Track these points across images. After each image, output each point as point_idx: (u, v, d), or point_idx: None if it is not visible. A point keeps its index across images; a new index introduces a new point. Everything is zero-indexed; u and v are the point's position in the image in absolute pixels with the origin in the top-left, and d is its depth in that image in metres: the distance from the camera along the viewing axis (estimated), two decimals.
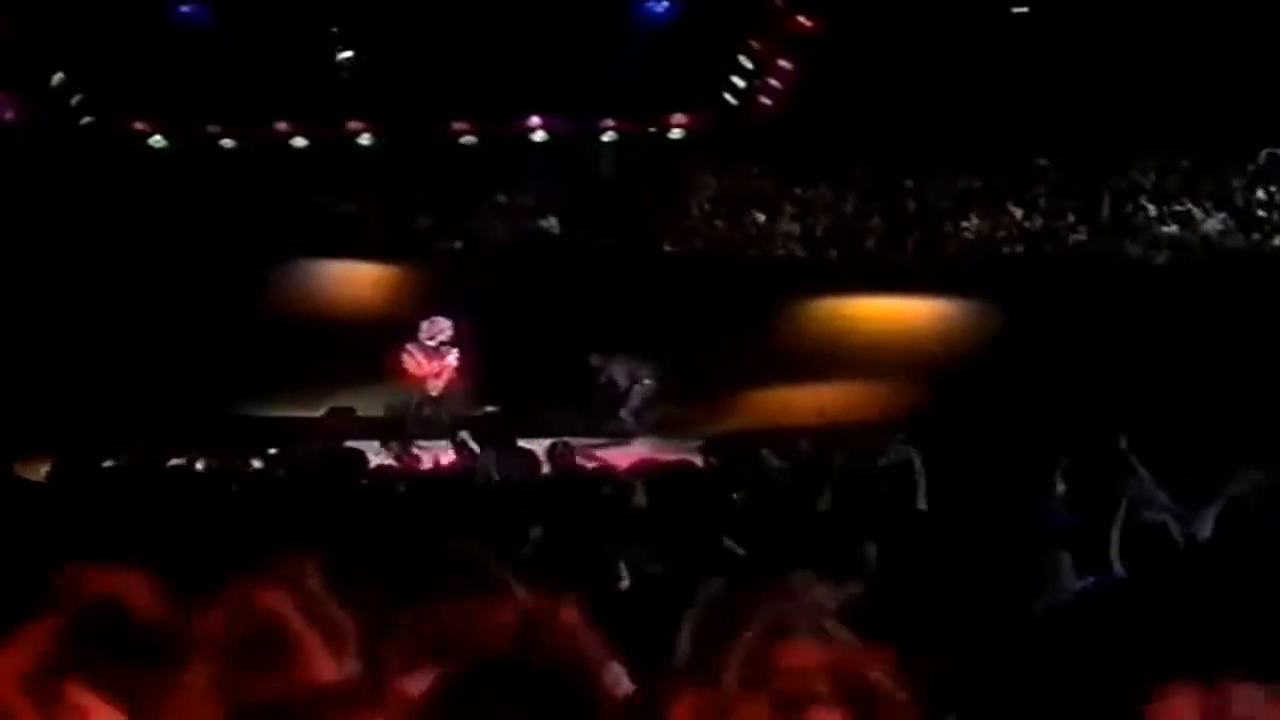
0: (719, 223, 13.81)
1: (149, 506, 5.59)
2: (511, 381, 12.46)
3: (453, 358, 11.57)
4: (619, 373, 12.00)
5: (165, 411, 11.82)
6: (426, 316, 11.68)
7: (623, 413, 11.86)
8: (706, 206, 13.82)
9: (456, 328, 11.67)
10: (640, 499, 5.51)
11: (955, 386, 11.75)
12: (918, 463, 5.27)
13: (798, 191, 13.74)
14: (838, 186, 13.61)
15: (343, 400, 12.41)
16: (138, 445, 8.77)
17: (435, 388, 11.53)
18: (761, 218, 13.85)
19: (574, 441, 8.54)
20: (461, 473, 7.94)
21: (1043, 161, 12.92)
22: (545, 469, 7.16)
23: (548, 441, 8.00)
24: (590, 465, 7.90)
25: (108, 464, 7.00)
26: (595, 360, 11.97)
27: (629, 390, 11.94)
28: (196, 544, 4.46)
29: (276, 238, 13.59)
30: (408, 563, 2.85)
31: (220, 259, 13.19)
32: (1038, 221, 13.02)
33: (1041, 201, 13.06)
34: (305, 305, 13.45)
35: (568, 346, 12.36)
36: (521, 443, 7.82)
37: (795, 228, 13.79)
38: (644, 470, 6.13)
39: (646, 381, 11.92)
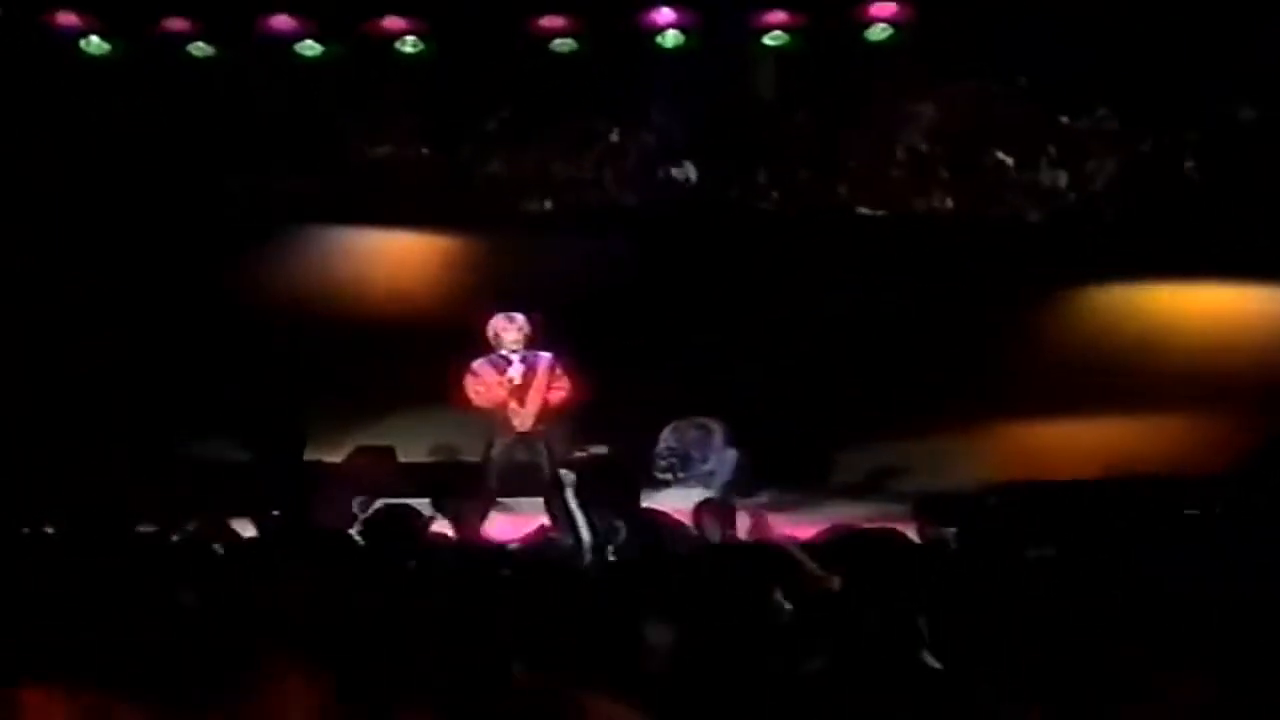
0: (943, 170, 13.72)
1: (98, 594, 5.72)
2: (630, 408, 12.56)
3: (543, 372, 11.40)
4: (688, 442, 12.69)
5: (114, 452, 12.16)
6: (501, 312, 11.56)
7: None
8: (923, 145, 13.73)
9: (545, 327, 11.63)
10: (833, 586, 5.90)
11: None
12: None
13: (1065, 121, 13.54)
14: (1129, 114, 13.43)
15: (376, 436, 12.66)
16: (78, 503, 8.88)
17: (523, 419, 11.26)
18: (1009, 161, 13.68)
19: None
20: (560, 549, 8.18)
21: None
22: (711, 537, 7.39)
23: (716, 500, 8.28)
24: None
25: (38, 530, 7.33)
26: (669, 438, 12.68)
27: (704, 463, 12.64)
28: (167, 651, 4.72)
29: (275, 194, 13.79)
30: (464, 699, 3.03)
31: (190, 225, 13.45)
32: None
33: None
34: (320, 296, 13.67)
35: (712, 351, 12.78)
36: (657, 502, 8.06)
37: (1060, 177, 13.63)
38: (839, 542, 6.50)
39: (730, 452, 12.58)
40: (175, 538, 8.16)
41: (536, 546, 8.35)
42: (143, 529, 8.13)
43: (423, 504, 9.39)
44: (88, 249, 13.27)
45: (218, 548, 7.13)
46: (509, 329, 11.31)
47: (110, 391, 12.96)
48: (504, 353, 11.31)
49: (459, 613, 5.47)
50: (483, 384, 11.26)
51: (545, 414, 11.40)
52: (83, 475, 11.54)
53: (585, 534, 7.53)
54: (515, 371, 11.23)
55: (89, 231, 13.32)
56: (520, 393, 11.29)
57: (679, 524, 7.82)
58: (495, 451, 11.37)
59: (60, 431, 12.46)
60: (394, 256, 14.13)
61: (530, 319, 11.40)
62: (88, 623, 5.17)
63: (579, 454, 12.04)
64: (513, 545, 8.43)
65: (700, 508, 8.35)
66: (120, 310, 13.25)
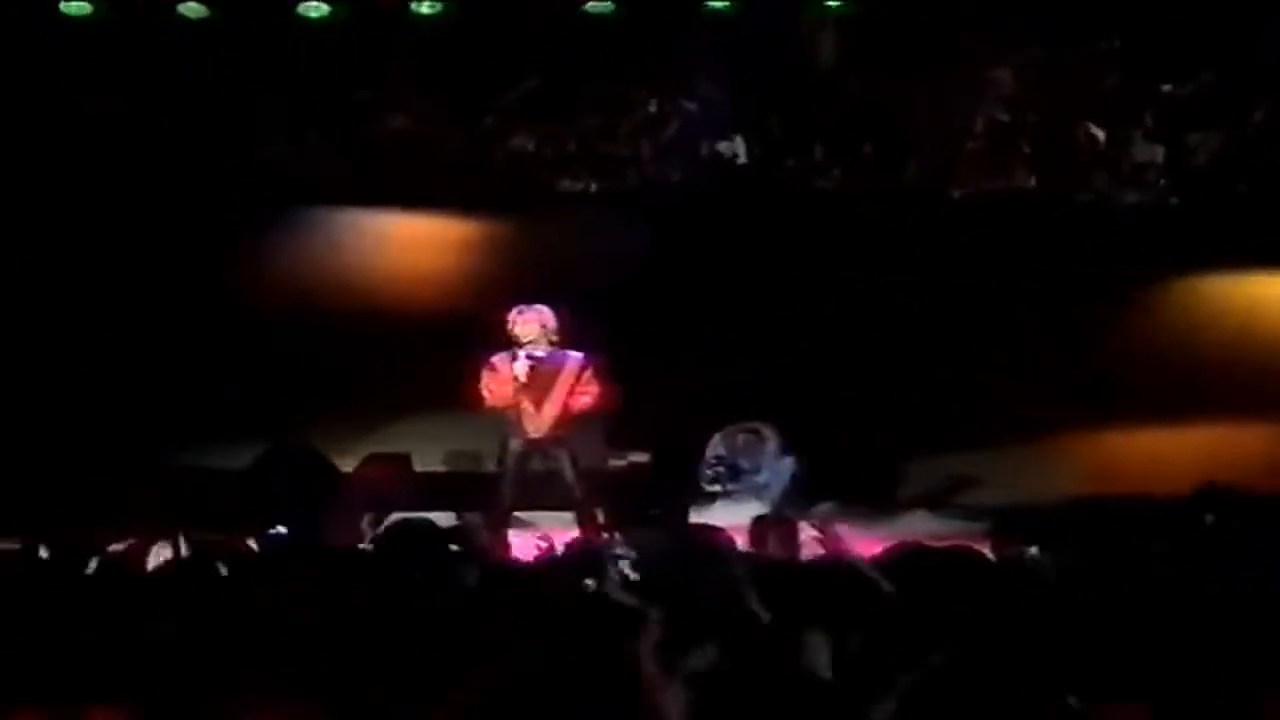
0: (1024, 145, 13.77)
1: (78, 612, 5.99)
2: (673, 413, 12.63)
3: (569, 374, 11.25)
4: (737, 450, 12.77)
5: (100, 464, 12.23)
6: (527, 303, 11.42)
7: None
8: (1002, 116, 13.75)
9: (573, 322, 11.46)
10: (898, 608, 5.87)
11: None
12: None
13: (1164, 89, 13.58)
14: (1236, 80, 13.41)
15: (389, 443, 12.70)
16: (58, 519, 9.02)
17: (536, 423, 11.19)
18: (1099, 135, 13.71)
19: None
20: (591, 567, 7.59)
21: None
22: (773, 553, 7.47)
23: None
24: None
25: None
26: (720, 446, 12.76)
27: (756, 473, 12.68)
28: (158, 672, 4.88)
29: (274, 174, 13.79)
30: None
31: (182, 208, 13.44)
32: None
33: None
34: (326, 286, 13.64)
35: (764, 348, 12.91)
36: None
37: (1157, 152, 13.65)
38: (908, 561, 6.44)
39: (784, 461, 12.66)
40: (167, 556, 8.02)
41: (558, 566, 7.96)
42: (130, 546, 8.00)
43: (442, 518, 9.34)
44: (69, 235, 13.31)
45: (219, 566, 7.16)
46: (521, 322, 11.15)
47: (93, 393, 13.03)
48: (522, 349, 11.17)
49: (480, 637, 5.56)
50: (495, 380, 11.14)
51: (564, 420, 11.25)
52: (63, 486, 11.70)
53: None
54: (520, 369, 11.06)
55: (70, 215, 13.35)
56: (533, 393, 11.12)
57: (733, 541, 7.68)
58: (509, 458, 11.28)
59: (38, 437, 12.56)
60: (408, 242, 14.08)
61: (557, 313, 11.26)
62: (73, 648, 5.47)
63: (615, 463, 12.13)
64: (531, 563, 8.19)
65: (758, 524, 8.34)
66: (105, 303, 13.27)
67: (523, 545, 9.26)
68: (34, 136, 13.32)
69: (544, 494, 11.29)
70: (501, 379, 11.06)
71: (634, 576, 6.67)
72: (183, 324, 13.33)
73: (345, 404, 12.96)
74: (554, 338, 11.11)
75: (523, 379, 10.97)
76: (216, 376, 13.16)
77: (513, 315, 11.09)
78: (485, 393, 11.10)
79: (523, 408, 11.03)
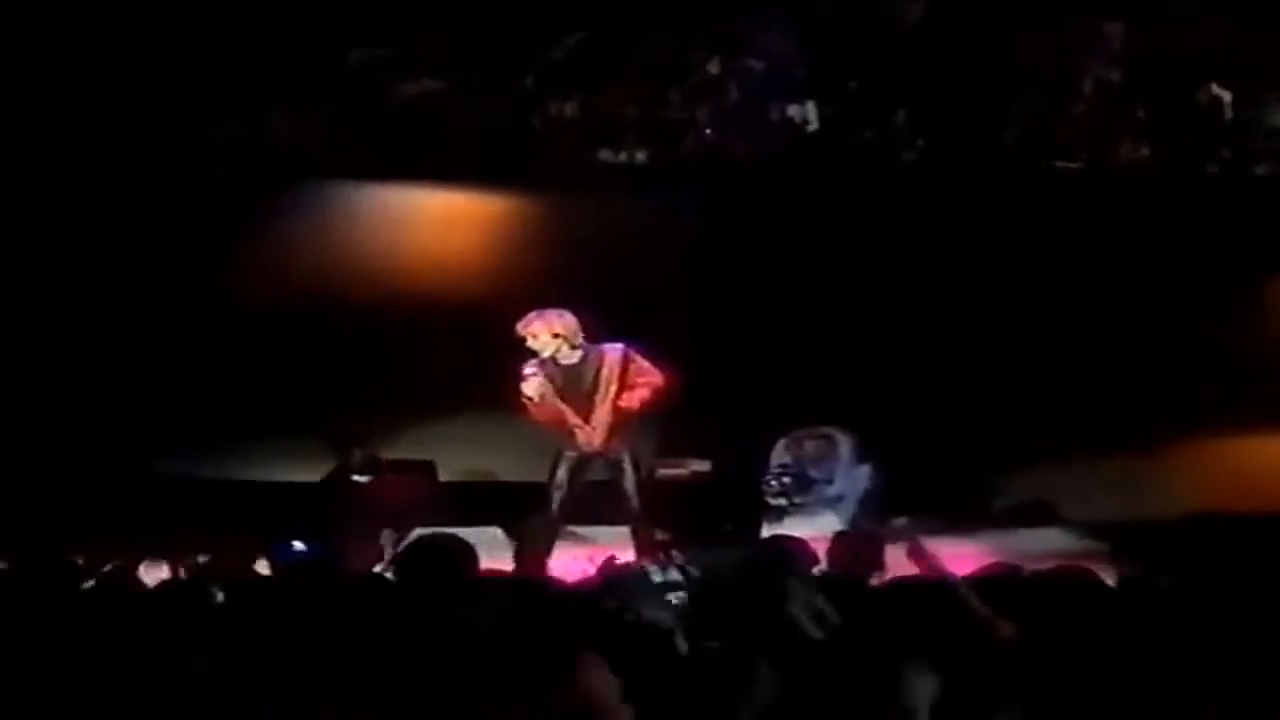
0: (1139, 109, 13.72)
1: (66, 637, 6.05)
2: (734, 416, 12.71)
3: (612, 372, 11.19)
4: (807, 457, 12.87)
5: (87, 472, 12.39)
6: (535, 310, 11.27)
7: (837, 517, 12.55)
8: (1113, 77, 13.69)
9: (621, 313, 11.49)
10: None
11: None
12: None
13: None
14: None
15: (411, 449, 12.75)
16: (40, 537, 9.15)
17: (589, 436, 11.18)
18: (1225, 97, 13.62)
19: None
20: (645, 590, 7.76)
21: None
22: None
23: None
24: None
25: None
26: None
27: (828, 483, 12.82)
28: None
29: (276, 146, 13.82)
30: None
31: (171, 185, 13.45)
32: None
33: None
34: (338, 274, 13.65)
35: (837, 342, 12.96)
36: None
37: None
38: (1005, 582, 6.54)
39: (860, 469, 12.79)
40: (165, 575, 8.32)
41: (605, 589, 7.97)
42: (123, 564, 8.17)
43: (472, 533, 9.43)
44: (44, 214, 13.36)
45: (216, 591, 7.22)
46: (529, 334, 11.01)
47: (80, 395, 13.11)
48: (546, 361, 11.08)
49: (513, 671, 5.51)
50: (535, 392, 11.06)
51: (620, 423, 11.23)
52: (46, 496, 11.85)
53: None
54: (544, 388, 10.96)
55: (45, 192, 13.39)
56: (577, 403, 11.11)
57: (815, 557, 7.75)
58: (560, 470, 11.23)
59: (30, 440, 12.71)
60: (432, 224, 14.10)
61: (576, 313, 11.15)
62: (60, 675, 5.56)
63: (671, 470, 12.11)
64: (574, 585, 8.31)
65: (840, 540, 8.32)
66: (89, 294, 13.33)
67: (568, 564, 9.49)
68: (32, 116, 13.45)
69: (596, 505, 11.36)
70: (543, 394, 11.04)
71: (693, 602, 6.85)
72: (177, 317, 13.40)
73: (361, 406, 12.96)
74: (577, 339, 11.07)
75: (555, 393, 10.96)
76: (217, 376, 13.25)
77: (525, 321, 11.03)
78: (530, 407, 11.10)
79: (570, 423, 11.05)
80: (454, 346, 12.60)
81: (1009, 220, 13.33)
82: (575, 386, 10.99)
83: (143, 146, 13.49)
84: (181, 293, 13.36)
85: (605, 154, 14.01)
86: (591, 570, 8.65)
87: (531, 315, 11.00)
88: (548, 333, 10.92)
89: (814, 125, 13.86)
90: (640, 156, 14.00)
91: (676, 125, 14.01)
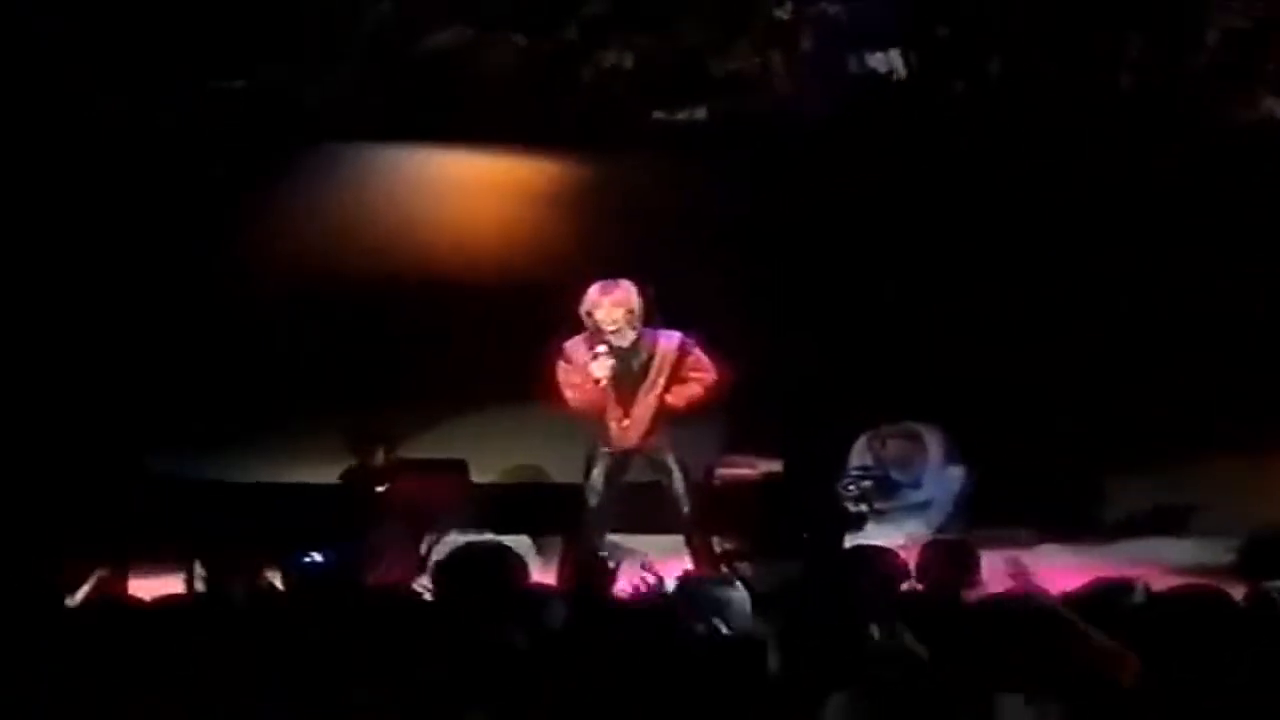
0: (1270, 63, 13.69)
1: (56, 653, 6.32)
2: (805, 409, 12.75)
3: (665, 360, 11.29)
4: (890, 457, 12.95)
5: (86, 473, 12.51)
6: (606, 278, 11.45)
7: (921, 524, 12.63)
8: (1240, 24, 13.68)
9: (674, 292, 11.49)
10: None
11: None
12: None
13: None
14: None
15: (441, 446, 12.87)
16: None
17: (623, 430, 11.27)
18: None
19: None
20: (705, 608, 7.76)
21: None
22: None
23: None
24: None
25: None
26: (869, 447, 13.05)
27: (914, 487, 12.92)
28: None
29: (286, 103, 13.87)
30: None
31: (167, 146, 13.53)
32: None
33: None
34: (356, 247, 13.67)
35: (925, 324, 13.07)
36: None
37: None
38: (1117, 602, 6.69)
39: (951, 471, 12.84)
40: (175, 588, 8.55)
41: (663, 606, 8.10)
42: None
43: (511, 541, 9.62)
44: (23, 182, 13.44)
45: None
46: (604, 304, 11.15)
47: (82, 386, 13.20)
48: (603, 340, 11.22)
49: (561, 695, 5.83)
50: (572, 375, 11.21)
51: (662, 420, 11.31)
52: (41, 501, 11.90)
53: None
54: (601, 367, 11.09)
55: (24, 156, 13.48)
56: (620, 392, 11.20)
57: (903, 568, 7.88)
58: (595, 470, 11.34)
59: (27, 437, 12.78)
60: (463, 191, 14.13)
61: (641, 289, 11.26)
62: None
63: (736, 471, 12.10)
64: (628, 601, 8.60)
65: (930, 550, 8.30)
66: (77, 273, 13.43)
67: (618, 578, 9.42)
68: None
69: (644, 512, 11.43)
70: (580, 375, 11.14)
71: (759, 621, 6.85)
72: (185, 302, 13.48)
73: (383, 397, 13.01)
74: (637, 320, 11.17)
75: (604, 378, 11.04)
76: (221, 366, 13.33)
77: (592, 294, 11.12)
78: (566, 390, 11.18)
79: (607, 412, 11.14)
80: (488, 329, 12.75)
81: (1121, 184, 13.24)
82: (623, 374, 11.07)
83: (144, 136, 13.56)
84: (185, 274, 13.44)
85: (660, 111, 13.97)
86: (646, 583, 8.72)
87: (597, 288, 11.09)
88: (623, 307, 11.02)
89: (899, 76, 13.84)
90: (700, 114, 13.97)
91: (742, 78, 13.97)
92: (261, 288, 13.44)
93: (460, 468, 12.57)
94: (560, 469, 12.43)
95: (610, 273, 11.38)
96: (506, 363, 12.13)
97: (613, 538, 11.33)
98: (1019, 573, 8.34)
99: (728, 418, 12.06)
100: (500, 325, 12.62)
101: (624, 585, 9.23)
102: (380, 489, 12.30)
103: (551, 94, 13.96)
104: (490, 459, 12.89)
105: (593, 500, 11.24)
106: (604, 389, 11.07)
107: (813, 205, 13.22)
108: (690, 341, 11.13)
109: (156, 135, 13.54)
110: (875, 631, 6.51)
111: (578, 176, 13.95)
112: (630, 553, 11.03)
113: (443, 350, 13.08)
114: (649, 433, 11.19)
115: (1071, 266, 13.17)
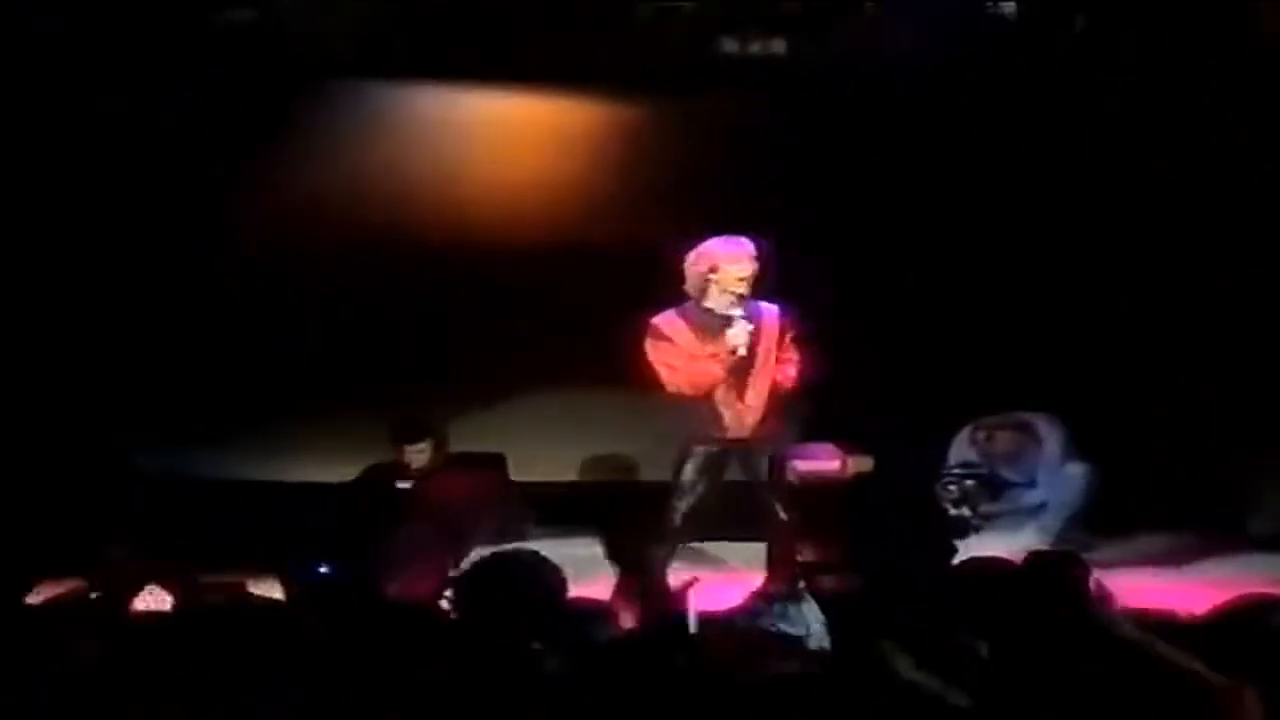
0: None
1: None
2: (902, 398, 12.93)
3: (770, 336, 11.33)
4: (999, 453, 13.18)
5: (72, 469, 12.75)
6: (698, 228, 11.50)
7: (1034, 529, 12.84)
8: None
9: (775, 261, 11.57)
10: None
11: None
12: None
13: None
14: None
15: (476, 438, 12.90)
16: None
17: (739, 416, 11.29)
18: None
19: None
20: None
21: None
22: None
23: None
24: None
25: None
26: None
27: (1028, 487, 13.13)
28: None
29: (293, 36, 13.78)
30: None
31: (161, 90, 13.59)
32: None
33: None
34: (379, 202, 13.79)
35: (1040, 302, 13.21)
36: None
37: None
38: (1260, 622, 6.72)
39: (1070, 468, 12.97)
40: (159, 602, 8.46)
41: (751, 624, 7.70)
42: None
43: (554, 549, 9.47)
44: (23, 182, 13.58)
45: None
46: (731, 259, 11.10)
47: (51, 375, 13.33)
48: (717, 305, 11.15)
49: None
50: (678, 355, 11.14)
51: (774, 407, 11.30)
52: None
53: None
54: (739, 335, 11.03)
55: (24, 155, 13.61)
56: (736, 373, 11.18)
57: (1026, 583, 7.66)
58: (691, 467, 11.29)
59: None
60: (504, 139, 14.16)
61: (759, 249, 11.24)
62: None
63: (818, 467, 11.96)
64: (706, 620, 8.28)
65: (1036, 563, 7.98)
66: (62, 243, 13.55)
67: (693, 591, 9.05)
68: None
69: (731, 518, 11.50)
70: (690, 353, 11.10)
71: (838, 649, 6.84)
72: (183, 272, 13.63)
73: (406, 382, 13.11)
74: (747, 288, 11.23)
75: (742, 349, 11.02)
76: (220, 351, 13.45)
77: (715, 249, 11.10)
78: (666, 372, 11.16)
79: (719, 396, 11.13)
80: (531, 301, 12.86)
81: (1268, 141, 13.16)
82: (739, 349, 11.15)
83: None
84: (182, 245, 13.56)
85: (730, 43, 13.90)
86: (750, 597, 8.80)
87: (719, 242, 11.11)
88: (750, 270, 11.05)
89: (1010, 13, 13.75)
90: (777, 48, 13.90)
91: (824, 11, 13.88)
92: (265, 261, 13.56)
93: (498, 462, 12.63)
94: (616, 465, 12.66)
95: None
96: (552, 341, 12.41)
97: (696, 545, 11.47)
98: (1101, 595, 8.11)
99: (810, 407, 11.92)
100: (543, 298, 12.78)
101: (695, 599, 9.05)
102: (403, 487, 12.30)
103: (603, 27, 13.82)
104: (535, 452, 12.91)
105: (684, 503, 11.20)
106: (721, 369, 11.05)
107: (907, 160, 13.32)
108: (789, 318, 11.20)
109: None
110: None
111: (634, 120, 14.02)
112: (720, 562, 11.64)
113: (478, 325, 13.18)
114: (764, 420, 11.21)
115: (1201, 236, 13.09)
